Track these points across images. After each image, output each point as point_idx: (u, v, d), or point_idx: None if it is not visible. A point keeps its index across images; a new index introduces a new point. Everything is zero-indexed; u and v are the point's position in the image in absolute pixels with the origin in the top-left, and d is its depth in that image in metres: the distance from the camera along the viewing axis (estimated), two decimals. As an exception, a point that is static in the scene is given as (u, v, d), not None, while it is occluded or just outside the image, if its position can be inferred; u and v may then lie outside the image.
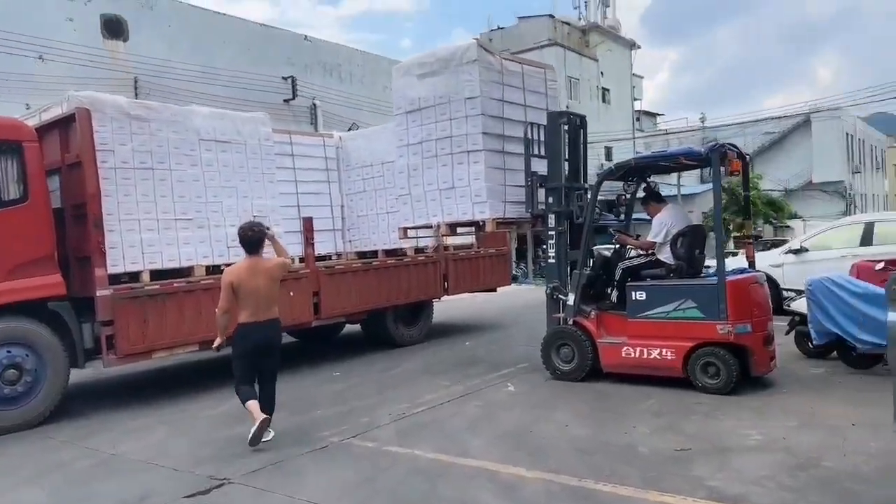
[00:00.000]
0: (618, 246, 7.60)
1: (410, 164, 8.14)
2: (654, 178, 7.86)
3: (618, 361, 6.76)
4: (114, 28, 17.12)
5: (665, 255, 6.83)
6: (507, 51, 36.16)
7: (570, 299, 7.07)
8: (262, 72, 20.19)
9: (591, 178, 8.11)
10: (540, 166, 7.53)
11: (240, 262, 5.66)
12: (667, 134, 44.69)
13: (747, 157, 6.86)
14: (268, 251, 5.88)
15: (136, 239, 7.37)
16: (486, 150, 7.49)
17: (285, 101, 21.39)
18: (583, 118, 7.91)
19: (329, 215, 10.48)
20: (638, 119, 42.17)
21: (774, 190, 37.84)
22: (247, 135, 8.59)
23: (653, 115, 49.53)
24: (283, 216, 9.14)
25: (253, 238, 5.57)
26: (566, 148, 7.51)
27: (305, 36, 23.29)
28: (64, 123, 7.08)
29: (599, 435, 5.15)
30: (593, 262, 7.44)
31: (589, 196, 7.23)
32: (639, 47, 40.83)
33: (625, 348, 6.67)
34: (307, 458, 5.05)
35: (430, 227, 8.12)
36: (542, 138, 7.58)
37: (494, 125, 7.65)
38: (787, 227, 34.57)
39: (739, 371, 6.09)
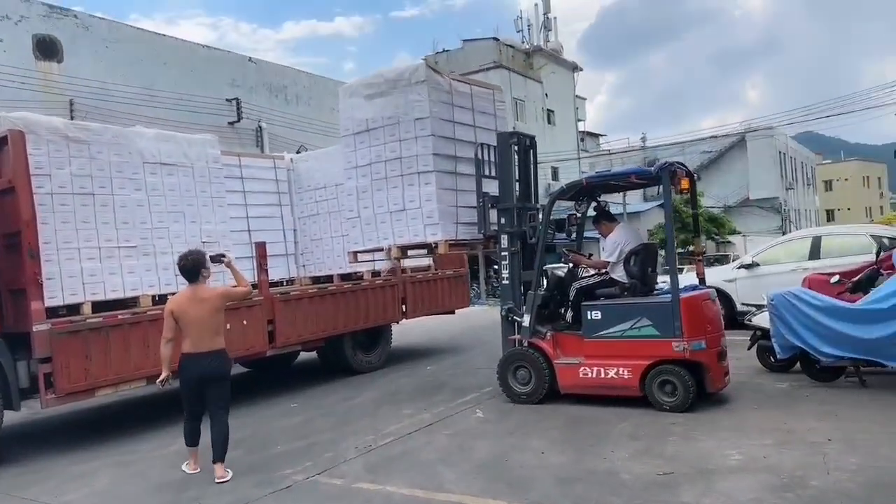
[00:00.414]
0: (571, 266, 7.60)
1: (359, 186, 8.03)
2: (603, 198, 7.90)
3: (575, 382, 6.71)
4: (47, 49, 16.39)
5: (619, 274, 6.84)
6: (453, 73, 36.53)
7: (525, 320, 7.00)
8: (206, 94, 19.68)
9: (542, 199, 8.13)
10: (491, 187, 7.48)
11: (182, 290, 5.56)
12: (610, 154, 45.68)
13: (695, 175, 7.01)
14: (217, 279, 5.51)
15: (76, 268, 6.92)
16: (437, 171, 7.42)
17: (230, 123, 20.88)
18: (532, 138, 7.90)
19: (282, 239, 10.14)
20: (582, 139, 42.98)
21: (714, 207, 38.99)
22: (194, 157, 8.23)
23: (595, 135, 50.60)
24: (234, 241, 8.77)
25: (188, 266, 5.43)
26: (517, 168, 7.50)
27: (250, 58, 22.85)
28: (-6, 147, 6.58)
29: (578, 462, 4.97)
30: (547, 282, 7.43)
31: (541, 216, 7.24)
32: (581, 69, 41.76)
33: (582, 368, 6.63)
34: (271, 500, 4.71)
35: (381, 250, 7.97)
36: (493, 159, 7.59)
37: (445, 146, 7.59)
38: (729, 242, 35.57)
39: (696, 388, 6.11)
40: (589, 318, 6.64)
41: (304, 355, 10.59)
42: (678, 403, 6.10)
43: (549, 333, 6.93)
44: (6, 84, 14.77)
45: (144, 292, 7.45)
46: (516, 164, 7.49)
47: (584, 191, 7.33)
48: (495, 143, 7.59)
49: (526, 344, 7.02)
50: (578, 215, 7.64)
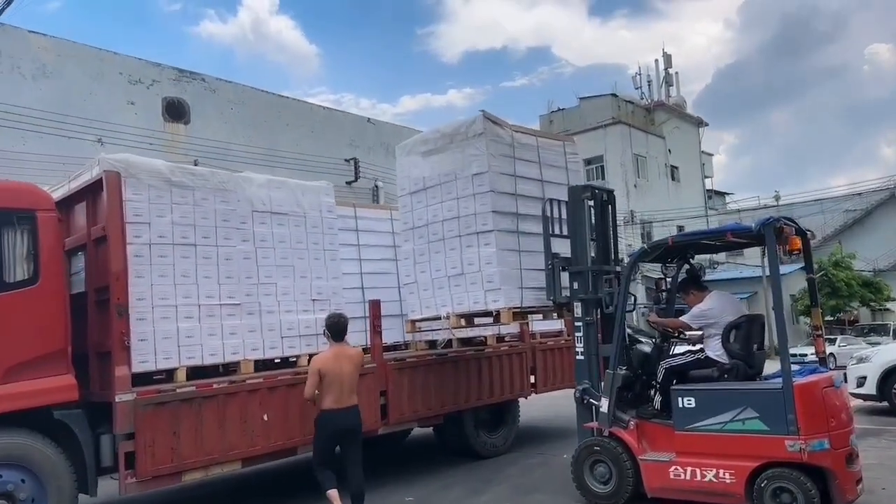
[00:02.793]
0: (659, 340, 6.49)
1: (416, 248, 7.44)
2: (708, 258, 6.63)
3: (664, 484, 5.62)
4: (175, 111, 16.85)
5: (716, 352, 5.80)
6: (567, 132, 35.67)
7: (604, 405, 5.98)
8: (325, 154, 19.65)
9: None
10: (563, 248, 6.63)
11: (326, 350, 5.94)
12: (739, 212, 42.58)
13: (808, 233, 5.99)
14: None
15: (172, 329, 6.10)
16: (497, 230, 6.76)
17: (348, 182, 20.72)
18: (610, 192, 7.00)
19: (396, 298, 9.10)
20: (710, 197, 40.35)
21: (864, 270, 34.95)
22: (307, 206, 7.40)
23: (722, 194, 47.59)
24: (346, 299, 7.80)
25: (342, 324, 5.91)
26: (592, 226, 6.61)
27: (368, 118, 22.88)
28: (91, 191, 6.01)
29: None
30: (630, 359, 6.29)
31: (620, 281, 6.33)
32: (706, 125, 39.57)
33: (673, 468, 5.55)
34: None
35: (439, 318, 7.20)
36: (564, 216, 6.79)
37: (506, 203, 6.92)
38: (888, 310, 31.55)
39: (820, 499, 4.94)
40: (680, 405, 5.59)
41: (417, 429, 9.35)
42: None
43: (632, 422, 5.90)
44: (136, 145, 15.08)
45: (246, 357, 6.53)
46: (591, 221, 6.61)
47: (670, 252, 6.43)
48: (566, 199, 6.74)
49: (606, 433, 5.98)
50: (667, 280, 6.78)
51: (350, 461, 5.73)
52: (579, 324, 6.37)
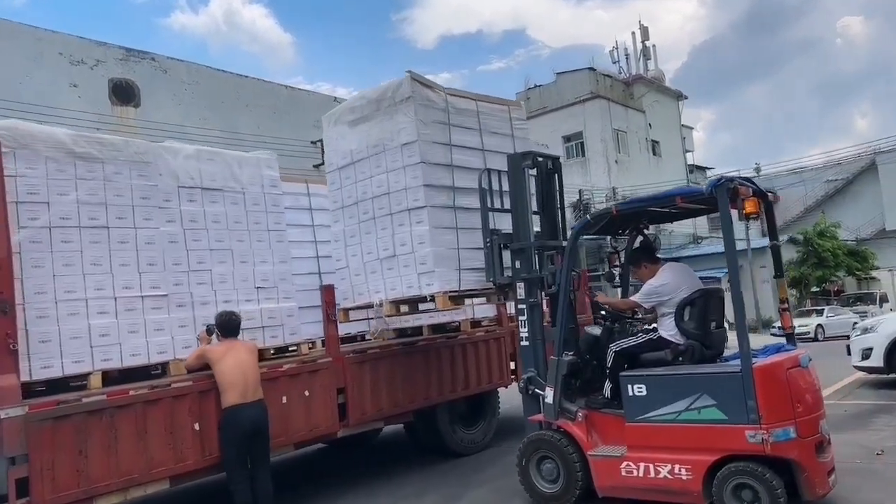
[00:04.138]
0: (610, 321, 5.83)
1: (346, 230, 6.77)
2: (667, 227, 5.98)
3: (615, 482, 5.05)
4: (124, 93, 15.71)
5: (669, 332, 5.19)
6: (545, 108, 34.73)
7: (549, 395, 5.39)
8: (290, 136, 18.55)
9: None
10: (506, 223, 6.02)
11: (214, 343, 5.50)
12: (721, 186, 41.99)
13: (770, 195, 5.43)
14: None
15: (83, 327, 5.16)
16: (430, 206, 6.07)
17: (315, 166, 19.63)
18: (556, 159, 6.35)
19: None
20: (691, 172, 39.70)
21: (848, 240, 34.57)
22: (246, 181, 6.45)
23: (703, 168, 47.01)
24: (298, 286, 6.89)
25: (235, 322, 5.56)
26: (536, 198, 6.11)
27: (335, 97, 21.77)
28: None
29: None
30: (579, 343, 5.68)
31: (563, 258, 5.65)
32: (686, 98, 38.82)
33: (624, 464, 4.98)
34: None
35: (371, 306, 6.59)
36: (507, 188, 6.12)
37: (441, 175, 6.22)
38: (873, 278, 31.17)
39: (787, 495, 4.41)
40: (631, 393, 5.01)
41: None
42: None
43: (580, 413, 5.30)
44: (81, 130, 13.98)
45: (177, 356, 5.58)
46: (535, 192, 6.10)
47: (617, 222, 5.76)
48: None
49: (553, 426, 5.41)
50: (617, 253, 6.21)
51: (258, 463, 5.30)
52: (523, 306, 5.80)
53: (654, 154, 35.59)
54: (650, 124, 35.24)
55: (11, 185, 4.94)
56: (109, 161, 5.51)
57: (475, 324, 8.11)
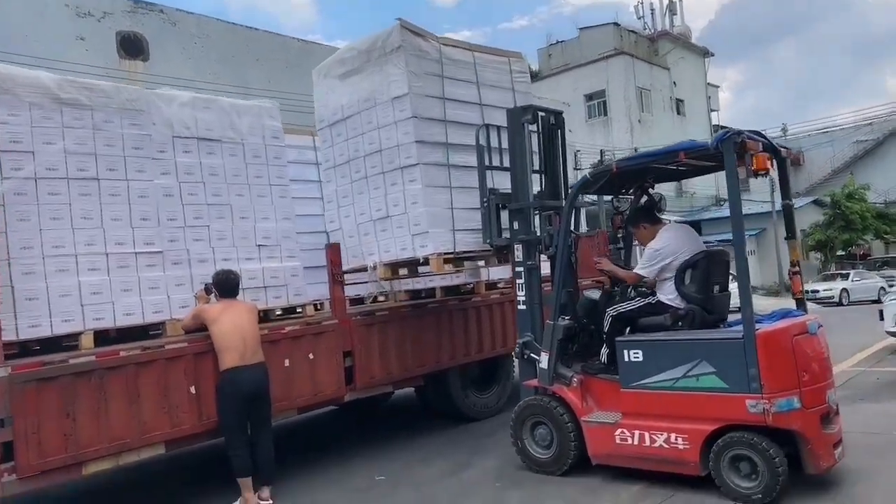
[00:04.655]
0: (609, 285, 5.66)
1: (339, 190, 6.50)
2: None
3: (609, 450, 4.89)
4: (132, 46, 15.29)
5: (669, 296, 4.95)
6: (568, 65, 33.69)
7: (544, 360, 5.24)
8: (302, 90, 18.01)
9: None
10: (504, 182, 5.79)
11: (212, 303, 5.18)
12: (746, 147, 40.84)
13: (783, 150, 5.05)
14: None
15: (73, 284, 4.89)
16: (423, 163, 5.77)
17: (329, 123, 19.23)
18: (558, 114, 5.97)
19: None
20: (716, 132, 38.62)
21: (876, 203, 33.55)
22: (245, 131, 6.08)
23: (728, 129, 45.80)
24: (303, 245, 6.56)
25: (233, 281, 5.27)
26: (537, 156, 5.79)
27: (349, 53, 21.20)
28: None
29: None
30: (577, 307, 5.51)
31: (561, 219, 5.40)
32: (712, 55, 37.50)
33: (618, 430, 4.83)
34: None
35: (365, 269, 6.36)
36: (506, 146, 5.84)
37: (434, 131, 5.89)
38: (902, 242, 30.31)
39: (787, 467, 4.22)
40: (626, 359, 4.82)
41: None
42: (760, 491, 4.22)
43: (576, 378, 5.12)
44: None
45: (174, 316, 5.31)
46: (536, 150, 5.81)
47: (618, 180, 5.45)
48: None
49: (548, 391, 5.25)
50: (621, 214, 5.93)
51: (259, 428, 5.08)
52: (520, 269, 5.59)
53: (679, 113, 34.57)
54: (675, 82, 34.15)
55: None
56: (99, 108, 5.17)
57: (490, 286, 7.76)
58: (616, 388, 4.93)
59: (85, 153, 5.04)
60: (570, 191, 5.60)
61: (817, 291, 23.39)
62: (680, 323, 4.87)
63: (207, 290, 5.25)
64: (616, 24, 32.84)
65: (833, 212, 28.66)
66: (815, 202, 31.33)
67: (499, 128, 5.94)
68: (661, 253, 4.98)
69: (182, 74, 15.50)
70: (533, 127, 5.75)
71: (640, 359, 4.78)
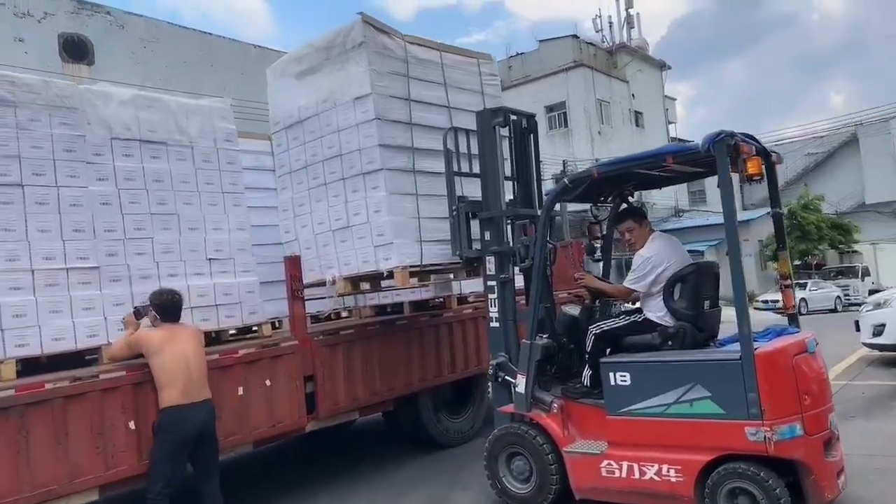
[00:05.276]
0: (588, 300, 5.21)
1: (295, 198, 6.06)
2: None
3: (595, 483, 4.45)
4: (75, 49, 14.45)
5: (657, 312, 4.58)
6: (528, 77, 33.69)
7: (520, 383, 4.79)
8: (261, 98, 17.38)
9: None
10: (475, 190, 5.42)
11: (151, 329, 4.51)
12: (703, 159, 41.45)
13: (773, 154, 4.64)
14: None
15: (-9, 305, 4.23)
16: (386, 169, 5.40)
17: (286, 132, 18.58)
18: (530, 117, 5.60)
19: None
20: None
21: (829, 214, 34.29)
22: (194, 133, 5.52)
23: (685, 141, 46.58)
24: (260, 258, 5.99)
25: (176, 302, 4.61)
26: (508, 161, 5.43)
27: (308, 60, 20.62)
28: None
29: None
30: (556, 325, 5.05)
31: (537, 228, 5.00)
32: (669, 68, 38.00)
33: (605, 462, 4.40)
34: None
35: (324, 283, 5.83)
36: (476, 151, 5.47)
37: (399, 134, 5.52)
38: (855, 252, 30.94)
39: (790, 500, 3.86)
40: (612, 382, 4.41)
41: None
42: None
43: (556, 403, 4.68)
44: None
45: (111, 340, 4.67)
46: (507, 155, 5.44)
47: (598, 186, 5.00)
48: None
49: (525, 418, 4.81)
50: (597, 221, 5.48)
51: (205, 475, 4.45)
52: (493, 283, 5.17)
53: (637, 125, 34.82)
54: (633, 95, 34.40)
55: None
56: (24, 105, 4.56)
57: (461, 300, 7.29)
58: (601, 414, 4.51)
59: (6, 156, 4.44)
60: (545, 198, 5.19)
61: (777, 301, 23.61)
62: (670, 342, 4.46)
63: (138, 314, 4.56)
64: (575, 36, 32.95)
65: (790, 222, 29.08)
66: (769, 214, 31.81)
67: (468, 131, 5.56)
68: (651, 261, 4.59)
69: (130, 80, 14.70)
70: (504, 131, 5.38)
71: (628, 382, 4.37)
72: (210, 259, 5.41)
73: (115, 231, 4.90)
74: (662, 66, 37.76)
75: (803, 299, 24.12)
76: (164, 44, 16.05)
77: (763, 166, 4.36)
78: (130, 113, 5.14)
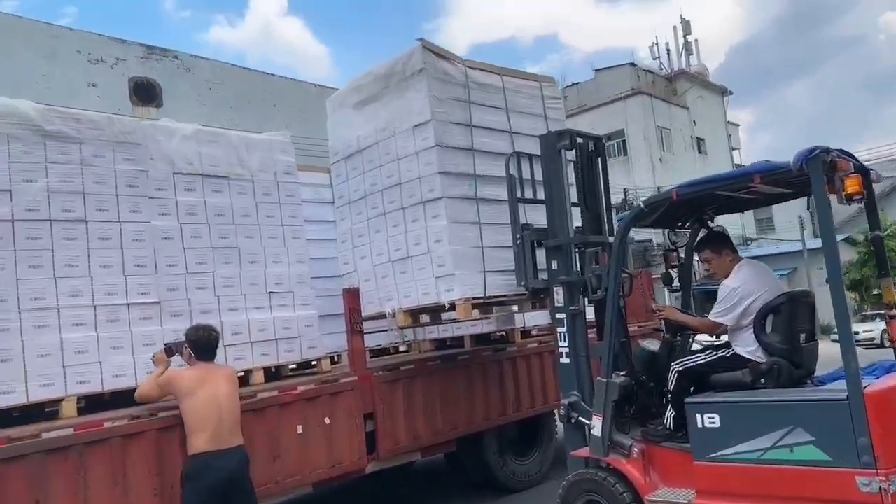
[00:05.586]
0: (669, 333, 4.77)
1: (354, 228, 5.97)
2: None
3: None
4: (145, 93, 15.01)
5: (747, 347, 4.17)
6: (584, 107, 33.42)
7: (596, 425, 4.41)
8: (322, 135, 17.70)
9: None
10: (538, 216, 5.11)
11: (186, 369, 4.30)
12: (770, 186, 40.04)
13: (871, 172, 4.13)
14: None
15: (53, 341, 4.25)
16: (447, 197, 5.25)
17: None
18: (598, 139, 5.25)
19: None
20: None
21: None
22: (255, 167, 5.49)
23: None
24: (318, 291, 5.89)
25: (214, 340, 4.37)
26: (576, 187, 5.09)
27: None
28: None
29: None
30: (632, 360, 4.71)
31: (611, 257, 4.63)
32: (731, 93, 37.08)
33: None
34: None
35: (384, 316, 5.68)
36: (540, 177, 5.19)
37: (460, 161, 5.37)
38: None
39: None
40: (699, 424, 4.00)
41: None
42: None
43: (636, 447, 4.29)
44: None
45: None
46: (574, 180, 5.10)
47: (676, 211, 4.65)
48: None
49: (602, 463, 4.43)
50: (676, 249, 5.06)
51: None
52: (562, 316, 4.79)
53: (700, 152, 33.97)
54: (694, 121, 33.65)
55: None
56: (88, 141, 4.60)
57: (525, 333, 7.00)
58: (687, 459, 4.10)
59: (71, 191, 4.46)
60: (618, 224, 4.88)
61: (857, 333, 22.27)
62: (763, 380, 4.06)
63: (169, 351, 4.34)
64: (632, 63, 32.58)
65: (867, 250, 27.59)
66: (847, 240, 30.28)
67: (531, 156, 5.30)
68: (738, 292, 4.21)
69: (197, 120, 15.16)
70: (571, 154, 5.11)
71: (717, 424, 3.96)
72: (270, 292, 5.34)
73: (177, 266, 4.87)
74: (724, 91, 36.88)
75: (885, 331, 22.69)
76: (228, 85, 16.56)
77: (861, 182, 4.03)
78: (193, 148, 5.14)
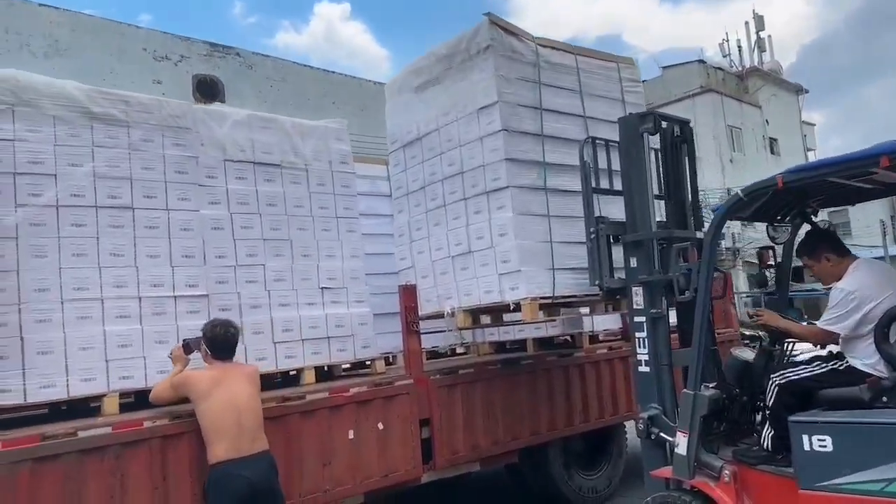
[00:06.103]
0: (767, 341, 4.31)
1: (412, 221, 5.65)
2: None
3: None
4: (208, 90, 15.13)
5: (866, 360, 3.64)
6: (651, 104, 32.39)
7: (681, 443, 3.91)
8: (381, 133, 17.56)
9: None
10: (614, 209, 4.68)
11: (203, 369, 3.94)
12: (847, 189, 37.96)
13: None
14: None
15: (97, 333, 4.03)
16: (513, 186, 4.87)
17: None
18: (684, 124, 4.68)
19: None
20: (814, 172, 36.04)
21: None
22: (309, 155, 5.20)
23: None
24: (373, 288, 5.57)
25: (233, 337, 4.03)
26: (658, 176, 4.61)
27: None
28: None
29: None
30: (723, 371, 4.23)
31: (703, 253, 4.10)
32: (806, 91, 35.28)
33: None
34: None
35: (441, 315, 5.35)
36: (617, 166, 4.72)
37: (528, 148, 4.97)
38: None
39: None
40: (807, 447, 3.47)
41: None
42: None
43: (727, 469, 3.79)
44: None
45: (218, 373, 4.33)
46: (656, 169, 4.62)
47: (779, 201, 4.11)
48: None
49: (686, 485, 3.91)
50: (776, 245, 4.48)
51: None
52: (641, 319, 4.33)
53: (773, 153, 32.39)
54: (767, 120, 32.11)
55: (8, 151, 3.90)
56: (136, 125, 4.38)
57: (592, 338, 6.51)
58: (790, 487, 3.56)
59: (118, 177, 4.25)
60: (714, 215, 4.35)
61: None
62: (885, 398, 3.51)
63: (188, 348, 4.04)
64: (701, 61, 31.34)
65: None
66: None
67: (608, 143, 4.84)
68: (855, 297, 3.65)
69: (257, 117, 15.27)
70: (653, 140, 4.59)
71: (829, 448, 3.42)
72: (323, 288, 5.05)
73: (226, 257, 4.63)
74: (798, 89, 35.12)
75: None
76: (289, 82, 16.58)
77: None
78: (245, 134, 4.89)
